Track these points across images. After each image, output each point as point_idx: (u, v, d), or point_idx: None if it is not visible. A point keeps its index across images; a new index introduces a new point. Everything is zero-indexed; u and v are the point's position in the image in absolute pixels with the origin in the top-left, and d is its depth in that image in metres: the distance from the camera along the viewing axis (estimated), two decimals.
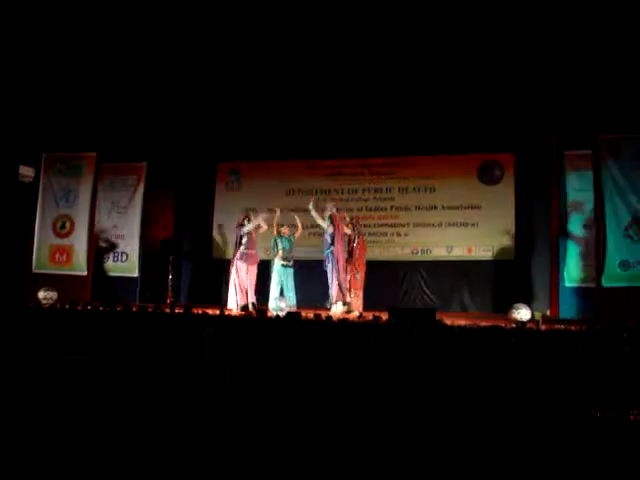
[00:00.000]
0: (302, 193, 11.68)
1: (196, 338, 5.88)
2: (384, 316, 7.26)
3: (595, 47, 8.30)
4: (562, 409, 4.19)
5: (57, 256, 11.15)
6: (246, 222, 9.46)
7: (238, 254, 9.39)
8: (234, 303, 9.26)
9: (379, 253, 11.15)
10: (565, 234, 9.38)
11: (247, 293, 9.35)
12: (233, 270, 9.39)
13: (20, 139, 11.01)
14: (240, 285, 9.33)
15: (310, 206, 9.17)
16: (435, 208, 11.12)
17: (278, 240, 9.48)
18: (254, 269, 9.52)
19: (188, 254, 12.13)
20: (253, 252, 9.48)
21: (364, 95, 10.20)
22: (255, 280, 9.51)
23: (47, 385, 5.02)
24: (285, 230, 9.59)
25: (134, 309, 8.05)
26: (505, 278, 10.44)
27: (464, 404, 4.30)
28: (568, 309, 9.05)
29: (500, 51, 8.75)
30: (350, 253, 9.21)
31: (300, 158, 11.75)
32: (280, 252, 9.40)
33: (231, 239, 11.17)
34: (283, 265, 9.38)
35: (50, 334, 6.96)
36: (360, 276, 9.15)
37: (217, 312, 8.10)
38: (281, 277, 9.35)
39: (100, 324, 7.16)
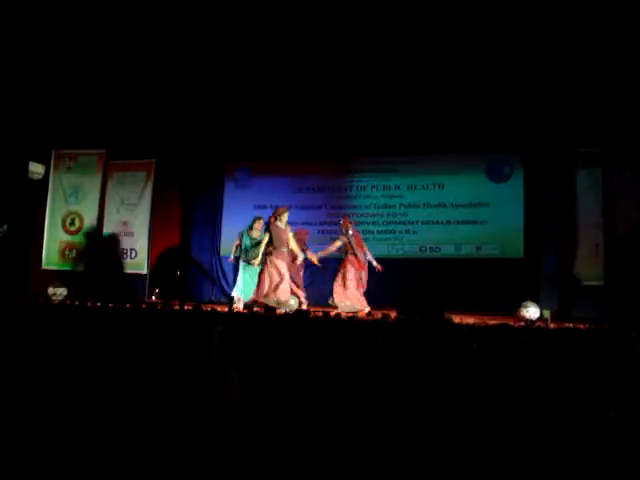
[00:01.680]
0: (310, 190, 11.70)
1: (205, 335, 5.90)
2: (392, 314, 7.26)
3: (605, 45, 8.27)
4: (571, 407, 4.18)
5: (66, 252, 11.22)
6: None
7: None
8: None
9: (387, 251, 11.14)
10: (574, 232, 9.35)
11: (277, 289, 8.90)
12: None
13: (30, 136, 11.07)
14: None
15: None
16: (444, 206, 11.09)
17: (243, 236, 9.41)
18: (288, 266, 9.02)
19: (197, 251, 12.14)
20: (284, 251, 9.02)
21: (372, 93, 10.21)
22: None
23: (53, 380, 5.04)
24: (257, 225, 9.44)
25: (143, 306, 8.08)
26: (514, 276, 10.40)
27: (473, 402, 4.30)
28: (577, 308, 9.02)
29: (509, 49, 8.74)
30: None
31: (308, 156, 11.75)
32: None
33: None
34: (244, 261, 9.34)
35: (59, 330, 6.99)
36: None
37: (226, 309, 8.13)
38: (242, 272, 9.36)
39: (109, 320, 7.19)
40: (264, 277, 8.66)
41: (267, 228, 8.83)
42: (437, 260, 10.99)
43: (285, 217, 8.89)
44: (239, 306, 8.88)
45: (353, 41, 8.84)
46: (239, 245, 9.41)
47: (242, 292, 9.18)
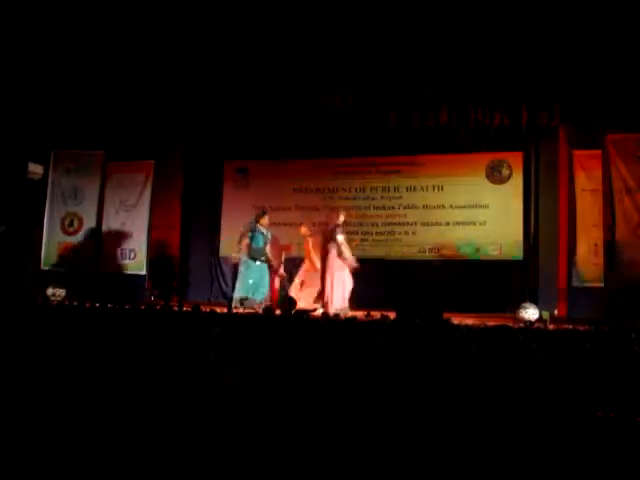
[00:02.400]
0: (309, 191, 11.69)
1: (203, 336, 5.89)
2: (391, 315, 7.25)
3: (604, 45, 8.28)
4: (569, 409, 4.18)
5: (65, 253, 11.22)
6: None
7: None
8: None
9: (386, 252, 11.14)
10: (573, 233, 9.35)
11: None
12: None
13: (29, 137, 11.06)
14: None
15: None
16: (443, 207, 11.06)
17: (255, 234, 9.34)
18: None
19: (196, 252, 12.12)
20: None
21: (371, 94, 10.20)
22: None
23: (53, 380, 5.03)
24: (264, 222, 9.47)
25: (142, 307, 8.06)
26: (513, 277, 10.40)
27: (471, 404, 4.29)
28: (576, 309, 9.02)
29: (509, 50, 8.74)
30: None
31: (308, 156, 11.72)
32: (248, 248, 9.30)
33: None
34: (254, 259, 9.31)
35: (58, 331, 6.98)
36: None
37: (225, 310, 8.12)
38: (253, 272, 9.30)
39: (108, 321, 7.18)
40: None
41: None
42: (436, 262, 10.98)
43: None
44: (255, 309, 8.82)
45: (351, 40, 8.84)
46: (248, 244, 9.37)
47: (253, 292, 9.18)
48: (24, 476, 3.30)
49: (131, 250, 11.18)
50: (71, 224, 11.24)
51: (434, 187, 11.20)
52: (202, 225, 12.22)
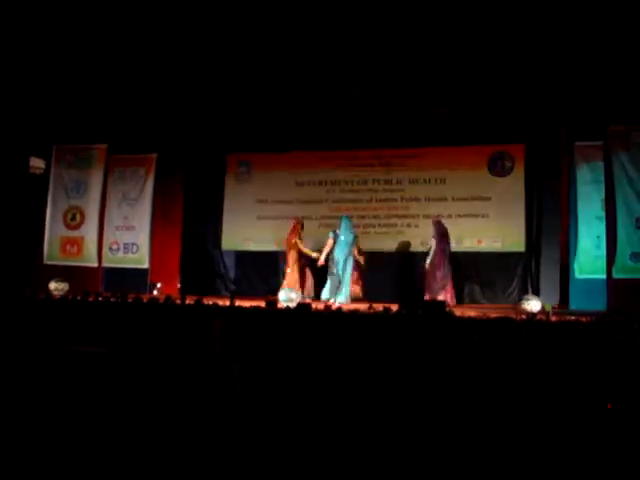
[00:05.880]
0: (312, 184, 11.68)
1: (206, 329, 5.91)
2: (394, 307, 7.26)
3: (606, 38, 8.26)
4: (572, 400, 4.19)
5: (68, 247, 11.23)
6: None
7: None
8: None
9: (389, 244, 11.14)
10: (575, 225, 9.35)
11: None
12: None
13: (31, 131, 11.06)
14: None
15: None
16: (445, 199, 11.05)
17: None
18: None
19: (199, 246, 12.12)
20: None
21: (374, 86, 10.18)
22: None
23: (55, 377, 5.05)
24: None
25: (145, 300, 8.07)
26: (515, 269, 10.42)
27: (475, 396, 4.30)
28: (578, 301, 9.02)
29: (511, 42, 8.72)
30: None
31: (310, 149, 11.72)
32: None
33: (241, 230, 11.34)
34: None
35: (61, 325, 7.00)
36: None
37: (227, 303, 8.12)
38: None
39: (111, 315, 7.20)
40: None
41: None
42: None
43: None
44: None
45: (353, 33, 8.82)
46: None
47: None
48: (26, 473, 3.32)
49: (133, 244, 11.19)
50: (73, 218, 11.24)
51: (436, 179, 11.19)
52: (205, 219, 12.22)
